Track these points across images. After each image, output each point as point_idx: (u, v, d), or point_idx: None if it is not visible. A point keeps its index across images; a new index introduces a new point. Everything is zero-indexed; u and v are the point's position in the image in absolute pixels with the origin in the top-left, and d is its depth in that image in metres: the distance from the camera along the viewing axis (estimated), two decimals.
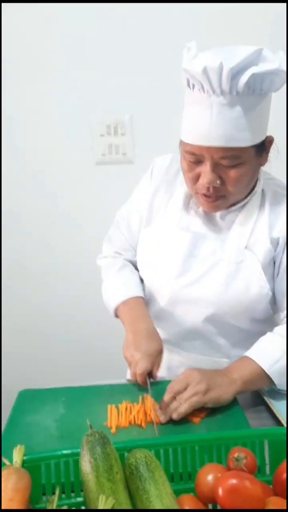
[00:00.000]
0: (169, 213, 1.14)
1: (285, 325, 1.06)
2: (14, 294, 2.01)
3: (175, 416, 0.92)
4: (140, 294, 1.18)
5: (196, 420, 0.94)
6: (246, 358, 1.02)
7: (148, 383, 1.01)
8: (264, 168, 1.07)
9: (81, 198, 1.90)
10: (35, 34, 1.71)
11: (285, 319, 1.08)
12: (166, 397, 0.95)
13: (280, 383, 1.00)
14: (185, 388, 0.95)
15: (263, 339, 1.05)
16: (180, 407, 0.93)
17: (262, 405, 1.02)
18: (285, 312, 1.09)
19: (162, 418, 0.93)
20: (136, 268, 1.25)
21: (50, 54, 1.73)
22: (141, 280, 1.22)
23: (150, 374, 1.02)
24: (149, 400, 0.98)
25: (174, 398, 0.95)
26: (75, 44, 1.72)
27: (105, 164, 1.85)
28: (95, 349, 2.05)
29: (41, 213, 1.92)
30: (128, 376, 1.28)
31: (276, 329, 1.07)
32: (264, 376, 0.99)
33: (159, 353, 1.05)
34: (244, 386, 0.98)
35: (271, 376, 0.99)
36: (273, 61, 0.89)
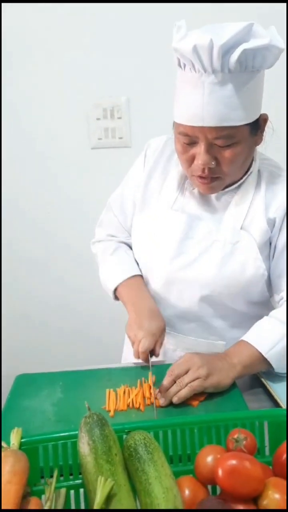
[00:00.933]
0: (164, 195, 1.13)
1: (281, 308, 1.06)
2: (12, 280, 2.00)
3: (175, 400, 0.92)
4: (137, 272, 1.17)
5: (195, 403, 0.93)
6: (243, 342, 1.01)
7: (150, 361, 1.02)
8: (260, 148, 1.06)
9: (77, 183, 1.89)
10: (31, 19, 1.68)
11: (281, 301, 1.08)
12: (166, 380, 0.95)
13: (278, 366, 1.00)
14: (186, 372, 0.94)
15: (260, 323, 1.04)
16: (181, 391, 0.92)
17: (260, 387, 1.02)
18: (280, 294, 1.08)
19: (162, 402, 0.93)
20: (131, 248, 1.24)
21: (46, 37, 1.71)
22: (137, 263, 1.21)
23: (152, 352, 1.03)
24: (150, 380, 0.98)
25: (174, 381, 0.94)
26: (70, 27, 1.69)
27: (102, 148, 1.83)
28: (92, 335, 2.04)
29: (37, 198, 1.90)
30: (124, 360, 1.28)
31: (273, 312, 1.06)
32: (262, 360, 0.99)
33: (162, 331, 1.05)
34: (243, 371, 0.98)
35: (269, 360, 0.98)
36: (264, 37, 0.87)
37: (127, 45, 1.71)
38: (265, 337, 1.01)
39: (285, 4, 1.63)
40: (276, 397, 0.96)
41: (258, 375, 1.03)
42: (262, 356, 0.98)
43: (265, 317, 1.05)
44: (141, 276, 1.18)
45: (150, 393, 0.96)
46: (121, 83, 1.75)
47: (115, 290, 1.18)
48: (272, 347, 0.99)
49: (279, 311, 1.05)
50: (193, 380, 0.93)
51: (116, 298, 1.20)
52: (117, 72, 1.74)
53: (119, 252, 1.23)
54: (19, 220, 1.93)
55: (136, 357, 1.03)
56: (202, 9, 1.63)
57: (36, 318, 2.06)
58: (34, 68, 1.74)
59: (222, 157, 0.96)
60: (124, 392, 0.96)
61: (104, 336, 1.95)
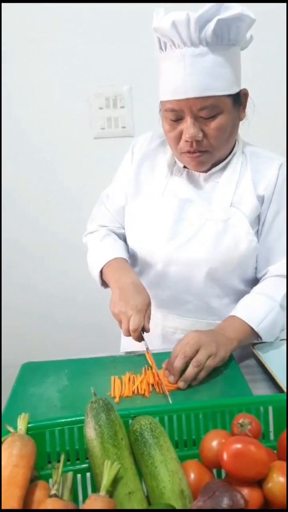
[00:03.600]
0: (155, 183, 1.16)
1: (264, 283, 1.13)
2: (14, 270, 2.01)
3: (195, 383, 0.95)
4: (123, 255, 1.19)
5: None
6: (234, 317, 1.07)
7: (144, 337, 1.02)
8: (241, 127, 1.10)
9: (80, 173, 1.89)
10: (32, 7, 1.67)
11: (266, 275, 1.14)
12: (179, 362, 0.94)
13: (266, 338, 1.07)
14: (197, 352, 0.95)
15: (247, 299, 1.10)
16: (201, 374, 0.94)
17: (251, 357, 1.08)
18: (266, 268, 1.13)
19: (182, 385, 0.94)
20: (121, 239, 1.26)
21: (48, 27, 1.70)
22: (132, 256, 1.23)
23: (142, 328, 1.02)
24: (149, 359, 1.00)
25: (186, 363, 0.95)
26: (72, 16, 1.68)
27: (105, 138, 1.82)
28: (96, 324, 2.05)
29: (39, 189, 1.90)
30: (122, 349, 1.29)
31: (257, 288, 1.12)
32: (253, 333, 1.05)
33: (148, 306, 1.06)
34: (239, 344, 1.04)
35: (259, 333, 1.05)
36: (236, 8, 0.93)
37: (128, 34, 1.70)
38: (254, 312, 1.06)
39: (285, 4, 1.63)
40: (274, 375, 0.97)
41: (254, 351, 1.06)
42: (253, 330, 1.04)
43: (251, 293, 1.11)
44: (125, 259, 1.19)
45: (156, 376, 0.96)
46: (123, 72, 1.74)
47: (100, 273, 1.19)
48: (261, 321, 1.05)
49: (264, 286, 1.12)
50: (206, 360, 0.95)
51: (103, 283, 1.20)
52: (119, 61, 1.73)
53: (107, 239, 1.25)
54: (21, 211, 1.93)
55: (127, 335, 1.03)
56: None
57: (40, 308, 2.07)
58: (36, 58, 1.73)
59: (208, 129, 1.01)
60: (129, 379, 0.97)
61: (108, 325, 1.96)
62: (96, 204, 1.31)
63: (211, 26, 0.92)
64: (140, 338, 1.02)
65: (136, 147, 1.21)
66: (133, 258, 1.23)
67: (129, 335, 1.02)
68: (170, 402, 0.90)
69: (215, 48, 0.96)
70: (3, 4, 1.66)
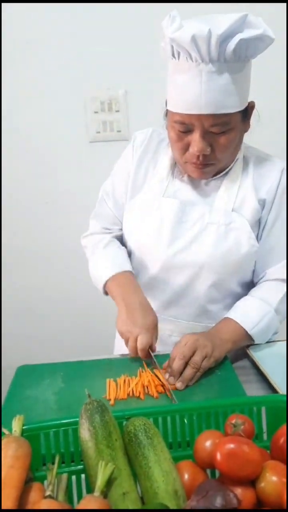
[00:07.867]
0: (155, 183, 1.15)
1: (261, 286, 1.14)
2: (12, 272, 2.01)
3: (191, 383, 0.96)
4: (129, 268, 1.18)
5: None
6: (229, 320, 1.08)
7: (153, 356, 1.03)
8: (246, 135, 1.10)
9: (76, 176, 1.89)
10: (28, 12, 1.68)
11: (263, 279, 1.15)
12: (177, 364, 0.96)
13: (259, 341, 1.09)
14: (194, 353, 0.97)
15: (242, 302, 1.12)
16: (197, 374, 0.96)
17: (245, 358, 1.09)
18: (265, 271, 1.14)
19: (180, 385, 0.95)
20: (123, 244, 1.25)
21: (43, 30, 1.71)
22: (129, 254, 1.22)
23: (149, 347, 1.03)
24: (160, 375, 0.99)
25: (185, 364, 0.96)
26: (68, 20, 1.69)
27: (100, 142, 1.83)
28: (92, 327, 2.05)
29: (35, 192, 1.91)
30: (116, 352, 1.29)
31: (253, 291, 1.13)
32: (247, 336, 1.07)
33: (156, 326, 1.07)
34: (233, 346, 1.06)
35: (252, 336, 1.07)
36: (258, 27, 0.91)
37: (124, 38, 1.71)
38: (249, 316, 1.08)
39: (285, 4, 1.64)
40: (268, 376, 0.98)
41: (249, 352, 1.08)
42: (247, 332, 1.06)
43: (247, 296, 1.13)
44: (131, 272, 1.18)
45: (160, 383, 0.96)
46: (119, 76, 1.75)
47: (105, 284, 1.18)
48: (256, 325, 1.07)
49: (261, 290, 1.13)
50: (202, 360, 0.97)
51: (105, 293, 1.20)
52: (114, 65, 1.74)
53: (111, 246, 1.23)
54: (18, 214, 1.94)
55: (134, 354, 1.04)
56: (201, 6, 1.62)
57: (36, 310, 2.07)
58: (31, 61, 1.74)
59: (217, 143, 1.00)
60: (124, 382, 0.97)
61: (103, 328, 1.96)
62: (98, 199, 1.29)
63: (231, 44, 0.90)
64: (147, 356, 1.03)
65: (136, 142, 1.19)
66: (130, 258, 1.22)
67: (136, 354, 1.03)
68: (176, 402, 0.91)
69: (232, 65, 0.94)
70: (2, 5, 1.67)
